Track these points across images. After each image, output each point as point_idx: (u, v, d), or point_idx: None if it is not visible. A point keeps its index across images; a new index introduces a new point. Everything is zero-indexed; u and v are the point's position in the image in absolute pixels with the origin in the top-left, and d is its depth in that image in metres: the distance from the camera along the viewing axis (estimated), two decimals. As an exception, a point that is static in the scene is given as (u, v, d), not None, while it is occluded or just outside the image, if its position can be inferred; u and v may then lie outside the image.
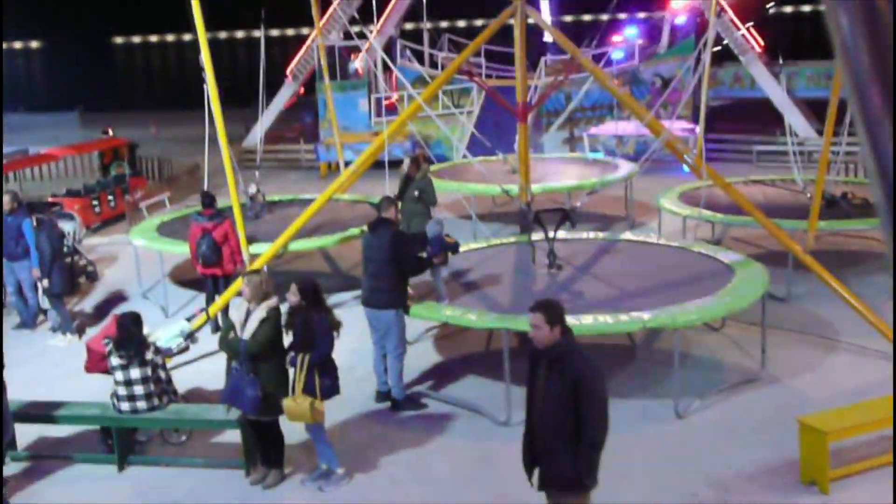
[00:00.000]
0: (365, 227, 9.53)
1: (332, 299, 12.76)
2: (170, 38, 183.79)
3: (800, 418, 7.31)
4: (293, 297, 7.56)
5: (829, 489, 7.06)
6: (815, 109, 20.96)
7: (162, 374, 8.20)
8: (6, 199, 11.90)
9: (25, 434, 8.32)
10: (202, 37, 10.35)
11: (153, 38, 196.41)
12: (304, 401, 7.39)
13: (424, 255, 9.21)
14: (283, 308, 7.71)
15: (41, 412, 8.26)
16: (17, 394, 8.31)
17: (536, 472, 5.67)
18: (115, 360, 7.95)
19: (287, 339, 7.63)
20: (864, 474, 7.30)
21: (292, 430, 7.81)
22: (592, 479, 5.53)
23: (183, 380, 9.74)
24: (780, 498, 7.05)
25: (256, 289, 7.52)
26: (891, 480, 7.21)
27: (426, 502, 7.23)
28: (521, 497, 5.74)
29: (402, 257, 8.79)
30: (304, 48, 24.96)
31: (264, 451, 7.77)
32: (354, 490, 7.50)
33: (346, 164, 18.13)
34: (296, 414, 7.43)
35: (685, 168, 16.99)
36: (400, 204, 12.83)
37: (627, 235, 11.67)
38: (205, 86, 10.76)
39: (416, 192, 12.80)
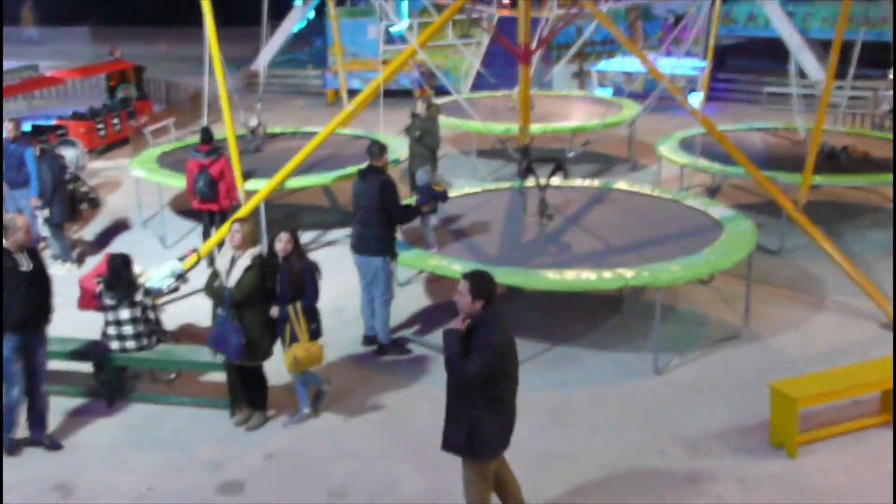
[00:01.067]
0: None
1: (328, 235, 12.94)
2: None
3: (771, 383, 7.43)
4: (289, 245, 7.67)
5: (797, 453, 7.21)
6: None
7: (151, 315, 8.39)
8: (9, 126, 11.95)
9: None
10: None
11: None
12: (317, 347, 7.69)
13: (413, 202, 9.29)
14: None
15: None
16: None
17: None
18: (105, 300, 8.13)
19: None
20: (833, 440, 7.45)
21: (276, 374, 8.00)
22: (477, 451, 5.69)
23: (175, 316, 9.97)
24: (747, 459, 7.22)
25: (247, 237, 7.62)
26: (858, 446, 7.39)
27: (399, 449, 7.41)
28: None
29: (390, 206, 8.84)
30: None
31: (249, 393, 7.98)
32: (330, 436, 7.70)
33: (351, 92, 18.05)
34: (308, 361, 7.67)
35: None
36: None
37: (621, 185, 11.65)
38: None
39: (418, 133, 12.77)
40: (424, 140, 12.60)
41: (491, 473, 5.86)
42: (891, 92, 18.29)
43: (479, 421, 5.58)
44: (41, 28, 37.75)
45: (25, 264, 7.16)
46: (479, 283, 5.60)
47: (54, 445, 7.57)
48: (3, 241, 7.15)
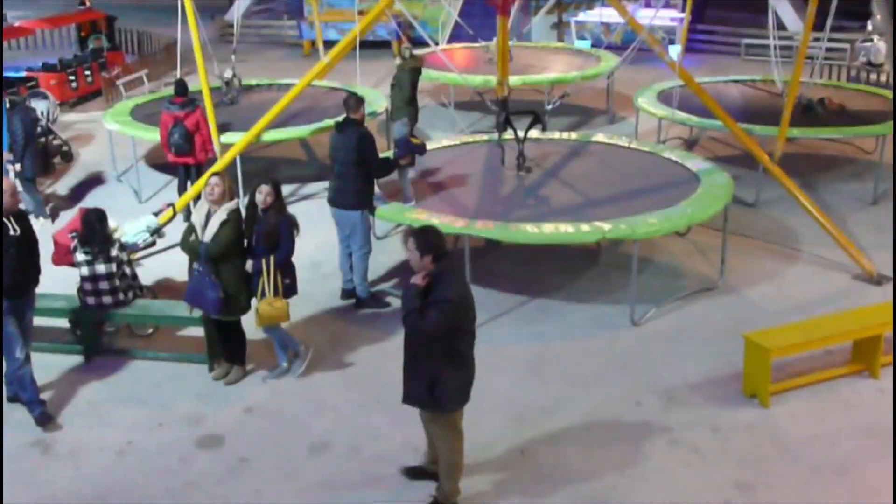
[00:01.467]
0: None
1: (306, 189, 12.87)
2: None
3: (745, 334, 7.52)
4: (269, 197, 7.61)
5: (770, 402, 7.33)
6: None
7: (127, 270, 8.35)
8: (-24, 79, 11.75)
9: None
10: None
11: None
12: (282, 303, 7.61)
13: (391, 155, 9.24)
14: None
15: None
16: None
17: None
18: (80, 256, 8.07)
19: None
20: (805, 389, 7.56)
21: (255, 329, 7.98)
22: (440, 404, 5.78)
23: (151, 271, 9.92)
24: (721, 409, 7.32)
25: (225, 191, 7.55)
26: (829, 395, 7.52)
27: (378, 403, 7.46)
28: (473, 401, 5.95)
29: (368, 159, 8.80)
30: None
31: (227, 348, 7.98)
32: (309, 390, 7.74)
33: (327, 43, 17.82)
34: (273, 316, 7.62)
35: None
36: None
37: (599, 137, 11.64)
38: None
39: (393, 83, 12.69)
40: (396, 92, 12.55)
41: (459, 423, 5.93)
42: (869, 44, 18.27)
43: (439, 375, 5.65)
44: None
45: (13, 229, 7.05)
46: (423, 237, 5.62)
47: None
48: None
